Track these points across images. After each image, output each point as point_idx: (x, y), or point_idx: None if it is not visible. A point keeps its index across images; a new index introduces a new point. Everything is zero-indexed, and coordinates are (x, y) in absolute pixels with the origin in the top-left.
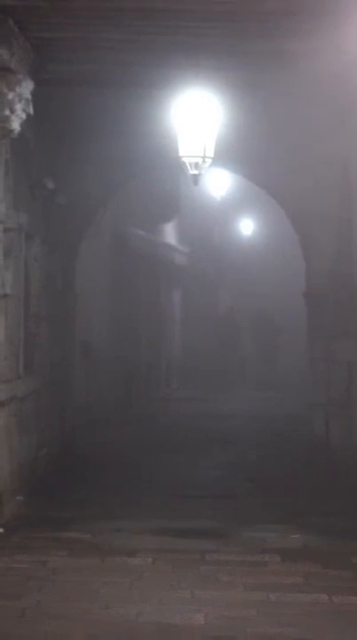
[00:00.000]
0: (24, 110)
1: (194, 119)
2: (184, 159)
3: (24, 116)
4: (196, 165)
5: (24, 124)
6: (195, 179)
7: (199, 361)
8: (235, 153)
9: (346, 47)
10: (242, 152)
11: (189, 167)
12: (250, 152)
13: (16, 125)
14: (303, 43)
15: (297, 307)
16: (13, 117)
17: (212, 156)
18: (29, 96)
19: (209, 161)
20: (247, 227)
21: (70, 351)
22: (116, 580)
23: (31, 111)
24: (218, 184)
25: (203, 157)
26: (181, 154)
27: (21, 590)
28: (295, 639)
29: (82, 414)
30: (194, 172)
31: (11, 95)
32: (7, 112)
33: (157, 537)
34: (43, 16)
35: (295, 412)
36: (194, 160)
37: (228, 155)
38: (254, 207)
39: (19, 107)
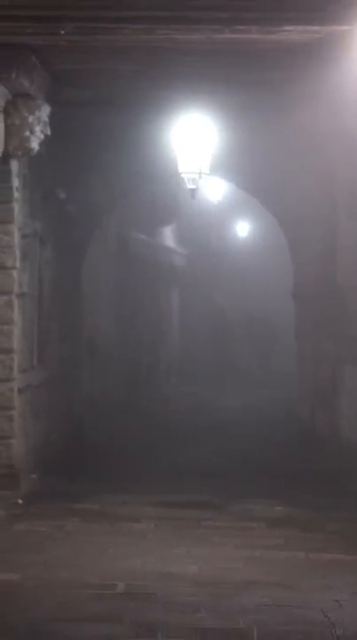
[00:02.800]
0: (42, 131)
1: (192, 139)
2: (183, 175)
3: (42, 136)
4: (193, 181)
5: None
6: (193, 192)
7: (197, 359)
8: (230, 165)
9: (327, 76)
10: (237, 164)
11: (187, 182)
12: (244, 164)
13: (35, 145)
14: (288, 73)
15: (290, 306)
16: (33, 138)
17: (208, 172)
18: (47, 119)
19: (205, 177)
20: (242, 230)
21: (77, 348)
22: (123, 540)
23: (48, 132)
24: (215, 190)
25: (200, 174)
26: (180, 170)
27: (42, 547)
28: (274, 583)
29: (87, 406)
30: (192, 186)
31: (31, 118)
32: (27, 133)
33: (159, 508)
34: (62, 52)
35: (286, 405)
36: (191, 176)
37: (224, 166)
38: (249, 211)
39: (37, 128)
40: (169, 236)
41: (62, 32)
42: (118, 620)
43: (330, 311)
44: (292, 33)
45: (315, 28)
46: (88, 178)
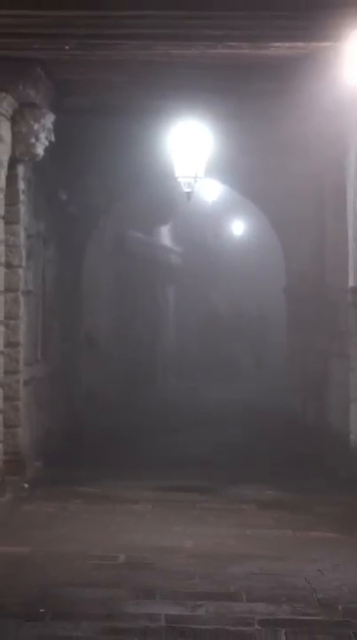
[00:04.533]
0: (47, 138)
1: (188, 145)
2: (179, 179)
3: (47, 142)
4: (189, 184)
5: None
6: (188, 195)
7: (193, 355)
8: (224, 167)
9: (312, 87)
10: (230, 167)
11: (183, 186)
12: (237, 167)
13: (40, 151)
14: (277, 84)
15: (283, 303)
16: (38, 144)
17: (203, 176)
18: (51, 126)
19: (200, 180)
20: (238, 229)
21: (77, 343)
22: (123, 520)
23: (52, 139)
24: (211, 190)
25: (195, 177)
26: (177, 174)
27: (49, 525)
28: (263, 556)
29: (86, 399)
30: (188, 189)
31: (36, 126)
32: (33, 140)
33: (156, 492)
34: (65, 64)
35: (279, 398)
36: (187, 180)
37: (218, 169)
38: (244, 211)
39: (42, 135)
40: (165, 236)
41: (67, 47)
42: (119, 585)
43: (320, 308)
44: (280, 49)
45: (301, 44)
46: (87, 180)
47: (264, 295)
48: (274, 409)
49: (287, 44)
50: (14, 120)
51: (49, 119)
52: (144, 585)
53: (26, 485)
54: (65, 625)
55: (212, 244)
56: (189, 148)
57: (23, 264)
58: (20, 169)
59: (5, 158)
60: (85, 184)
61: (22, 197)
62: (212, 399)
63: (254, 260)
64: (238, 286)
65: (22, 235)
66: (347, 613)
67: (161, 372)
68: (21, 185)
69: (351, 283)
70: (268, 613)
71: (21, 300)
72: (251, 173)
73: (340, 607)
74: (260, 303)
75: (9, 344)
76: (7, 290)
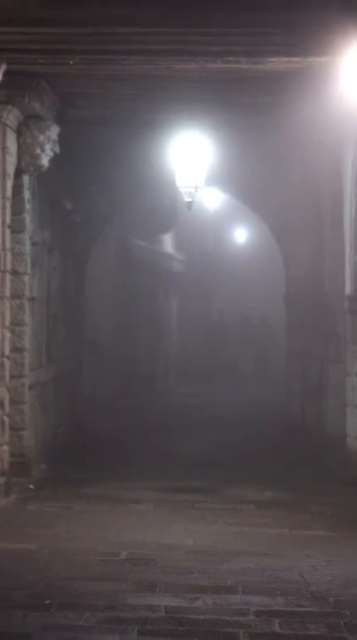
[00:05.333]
0: (51, 149)
1: (188, 156)
2: (180, 189)
3: (51, 153)
4: (190, 194)
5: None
6: (189, 205)
7: (195, 359)
8: (225, 177)
9: (309, 100)
10: (231, 176)
11: (184, 195)
12: (238, 176)
13: (45, 162)
14: (274, 97)
15: (284, 309)
16: (43, 155)
17: (203, 186)
18: (56, 138)
19: (200, 190)
20: (240, 236)
21: (81, 349)
22: (125, 519)
23: (57, 150)
24: (213, 198)
25: (196, 188)
26: (178, 184)
27: (54, 523)
28: (260, 553)
29: (90, 402)
30: (188, 199)
31: (41, 137)
32: (38, 151)
33: (157, 492)
34: (70, 78)
35: (279, 401)
36: (188, 190)
37: (219, 178)
38: (246, 218)
39: (47, 146)
40: (168, 243)
41: (71, 62)
42: (121, 579)
43: (318, 313)
44: (277, 63)
45: (297, 59)
46: (90, 190)
47: (266, 301)
48: (275, 412)
49: (284, 59)
50: (20, 132)
51: (54, 131)
52: (145, 579)
53: (31, 486)
54: (69, 615)
55: (215, 252)
56: (190, 159)
57: (28, 271)
58: (26, 179)
59: (11, 169)
60: (89, 193)
61: (27, 207)
62: (214, 403)
63: (256, 266)
64: (241, 292)
65: (27, 243)
66: (338, 605)
67: (164, 376)
68: (27, 194)
69: (347, 290)
70: (263, 605)
71: (27, 306)
72: (251, 182)
73: (332, 599)
74: (263, 309)
75: (14, 349)
76: (13, 296)
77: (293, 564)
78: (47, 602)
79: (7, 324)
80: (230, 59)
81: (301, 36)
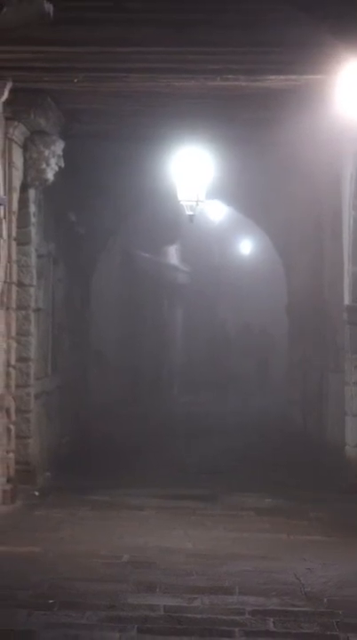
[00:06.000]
0: (56, 164)
1: (190, 170)
2: (182, 202)
3: (56, 168)
4: (191, 207)
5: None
6: (191, 218)
7: (199, 368)
8: (227, 190)
9: (306, 116)
10: (232, 189)
11: (186, 209)
12: (239, 189)
13: (50, 176)
14: (273, 113)
15: (286, 319)
16: (48, 169)
17: (204, 200)
18: (61, 152)
19: (202, 203)
20: (243, 247)
21: (86, 358)
22: (128, 524)
23: (62, 164)
24: (217, 211)
25: (197, 201)
26: (179, 198)
27: (58, 528)
28: (257, 556)
29: (95, 411)
30: (190, 212)
31: (47, 152)
32: (44, 165)
33: (160, 499)
34: (74, 94)
35: (281, 409)
36: (189, 203)
37: (222, 191)
38: (249, 230)
39: (52, 161)
40: (173, 255)
41: (75, 80)
42: (123, 580)
43: (318, 324)
44: (274, 81)
45: (294, 77)
46: (95, 203)
47: (269, 312)
48: (276, 420)
49: (281, 77)
50: (26, 147)
51: (59, 146)
52: (145, 580)
53: (36, 493)
54: (71, 613)
55: (219, 263)
56: (191, 174)
57: (34, 283)
58: (31, 193)
59: (18, 183)
60: (94, 206)
61: (33, 220)
62: (217, 410)
63: (260, 277)
64: (245, 303)
65: (33, 255)
66: (331, 605)
67: (167, 385)
68: (32, 208)
69: (346, 301)
70: (258, 605)
71: (32, 317)
72: (252, 195)
73: (325, 599)
74: (265, 318)
75: (20, 359)
76: (19, 307)
77: (289, 566)
78: (51, 601)
79: (13, 334)
80: (229, 76)
81: (297, 55)
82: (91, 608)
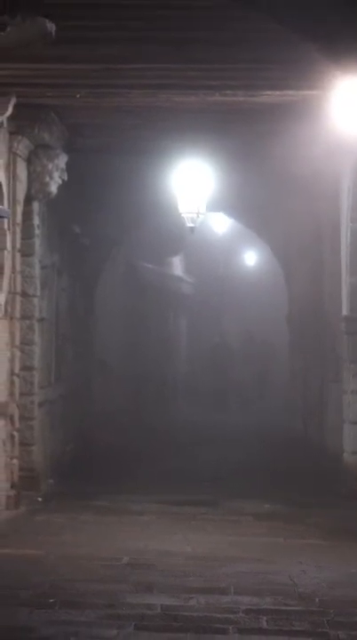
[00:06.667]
0: (60, 177)
1: (190, 183)
2: (183, 214)
3: (60, 181)
4: (192, 219)
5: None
6: (192, 229)
7: (202, 378)
8: (227, 202)
9: (303, 130)
10: (233, 201)
11: (187, 220)
12: (240, 201)
13: (54, 189)
14: (271, 126)
15: (287, 329)
16: (52, 183)
17: (205, 212)
18: (64, 166)
19: (202, 216)
20: (247, 259)
21: (90, 367)
22: (130, 529)
23: (65, 177)
24: (220, 223)
25: (198, 214)
26: (181, 210)
27: (61, 532)
28: (253, 559)
29: (98, 419)
30: (191, 224)
31: (50, 166)
32: (47, 179)
33: (161, 504)
34: (77, 109)
35: (280, 417)
36: (190, 215)
37: (224, 203)
38: (253, 242)
39: (56, 174)
40: (177, 266)
41: (78, 95)
42: (122, 580)
43: (318, 334)
44: (272, 96)
45: (291, 92)
46: (98, 215)
47: (271, 321)
48: (278, 428)
49: (277, 92)
50: (30, 160)
51: (62, 159)
52: (144, 581)
53: (39, 499)
54: (71, 612)
55: (223, 274)
56: (192, 186)
57: (38, 293)
58: (35, 205)
59: (22, 196)
60: (97, 218)
61: (37, 232)
62: (219, 419)
63: (263, 288)
64: (248, 314)
65: (37, 266)
66: (323, 604)
67: (171, 394)
68: (36, 220)
69: (344, 311)
70: (252, 604)
71: (36, 326)
72: (254, 208)
73: (317, 599)
74: (268, 330)
75: (24, 368)
76: (23, 317)
77: (284, 568)
78: (51, 600)
79: (17, 343)
80: (227, 92)
81: (291, 71)
82: (91, 607)
